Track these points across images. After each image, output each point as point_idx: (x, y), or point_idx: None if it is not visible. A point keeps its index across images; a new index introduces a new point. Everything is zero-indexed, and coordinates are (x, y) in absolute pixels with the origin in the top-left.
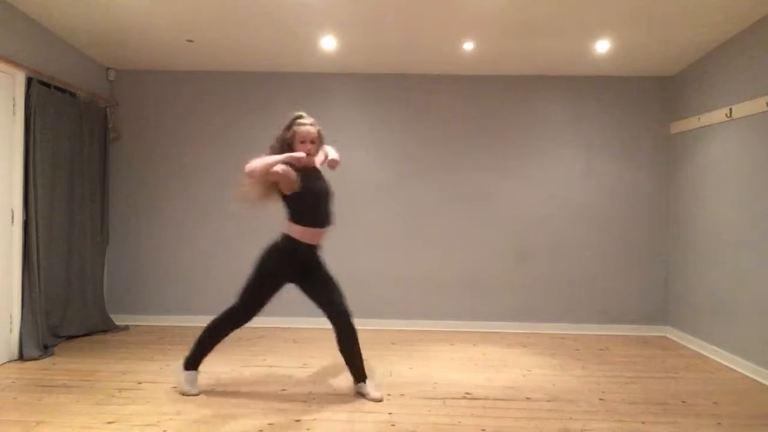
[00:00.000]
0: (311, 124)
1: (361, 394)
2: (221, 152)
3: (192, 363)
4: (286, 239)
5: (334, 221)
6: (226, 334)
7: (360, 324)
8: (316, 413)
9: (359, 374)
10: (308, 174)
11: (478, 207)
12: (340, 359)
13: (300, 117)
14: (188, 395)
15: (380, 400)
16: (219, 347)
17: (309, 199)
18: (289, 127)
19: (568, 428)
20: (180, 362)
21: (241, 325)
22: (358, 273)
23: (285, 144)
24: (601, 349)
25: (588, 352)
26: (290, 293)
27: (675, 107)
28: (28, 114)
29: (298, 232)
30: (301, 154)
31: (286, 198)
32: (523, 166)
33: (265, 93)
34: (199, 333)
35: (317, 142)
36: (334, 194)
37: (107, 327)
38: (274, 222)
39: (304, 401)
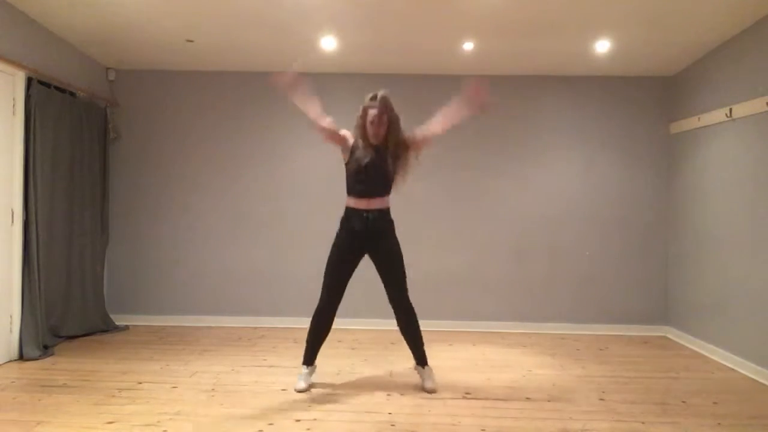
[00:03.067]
0: (375, 107)
1: (420, 378)
2: (221, 152)
3: (305, 358)
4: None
5: (372, 194)
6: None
7: (361, 324)
8: (316, 413)
9: (417, 357)
10: (361, 147)
11: (477, 207)
12: (339, 359)
13: (371, 98)
14: (298, 391)
15: (433, 391)
16: (219, 347)
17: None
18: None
19: (568, 428)
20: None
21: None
22: (358, 273)
23: (360, 124)
24: (601, 349)
25: (588, 352)
26: (288, 294)
27: (675, 107)
28: (28, 114)
29: (347, 200)
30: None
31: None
32: (523, 165)
33: (265, 93)
34: (195, 332)
35: (381, 122)
36: (379, 167)
37: (107, 327)
38: (273, 222)
39: (304, 401)
